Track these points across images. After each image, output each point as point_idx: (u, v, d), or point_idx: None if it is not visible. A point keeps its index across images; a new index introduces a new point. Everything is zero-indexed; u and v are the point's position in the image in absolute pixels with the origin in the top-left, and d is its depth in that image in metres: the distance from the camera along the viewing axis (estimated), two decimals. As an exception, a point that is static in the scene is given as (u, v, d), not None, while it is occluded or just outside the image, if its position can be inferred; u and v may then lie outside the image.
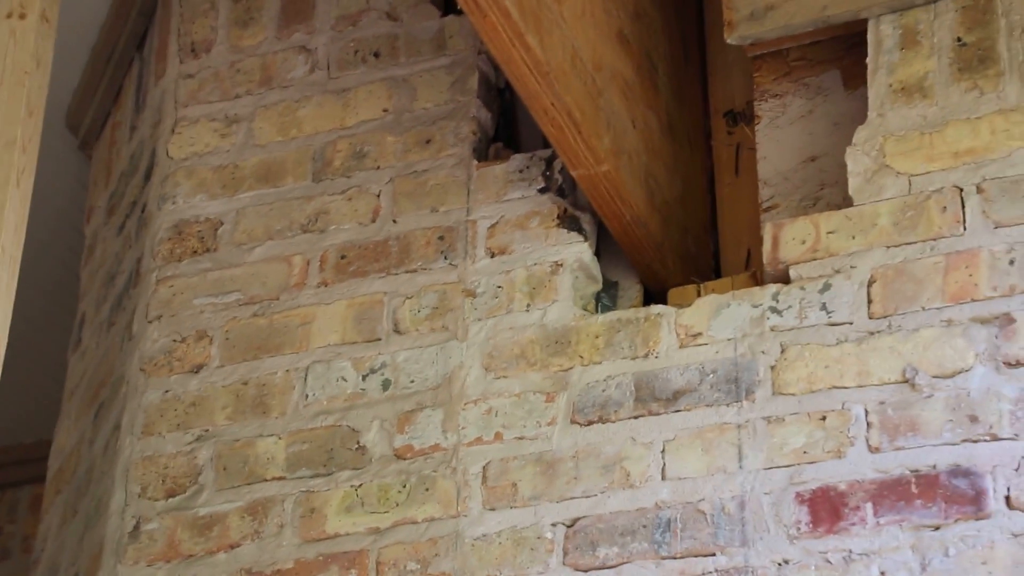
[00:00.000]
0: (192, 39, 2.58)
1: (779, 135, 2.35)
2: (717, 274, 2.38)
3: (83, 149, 2.92)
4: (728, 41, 2.33)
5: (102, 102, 2.82)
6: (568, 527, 2.06)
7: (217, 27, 2.57)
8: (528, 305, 2.21)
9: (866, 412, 2.00)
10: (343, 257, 2.34)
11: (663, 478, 2.04)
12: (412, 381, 2.21)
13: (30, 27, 1.94)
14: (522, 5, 1.94)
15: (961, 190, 2.08)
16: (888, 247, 2.08)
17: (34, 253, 2.57)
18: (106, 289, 2.64)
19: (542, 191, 2.29)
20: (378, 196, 2.37)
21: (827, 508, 1.96)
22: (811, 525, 1.96)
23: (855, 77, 2.31)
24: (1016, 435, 1.92)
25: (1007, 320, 1.99)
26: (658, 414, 2.08)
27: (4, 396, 3.32)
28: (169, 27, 2.62)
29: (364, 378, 2.24)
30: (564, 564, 2.04)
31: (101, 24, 2.76)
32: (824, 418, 2.01)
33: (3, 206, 1.88)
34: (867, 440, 1.98)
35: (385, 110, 2.43)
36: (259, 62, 2.52)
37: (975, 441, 1.94)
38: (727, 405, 2.05)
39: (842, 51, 2.34)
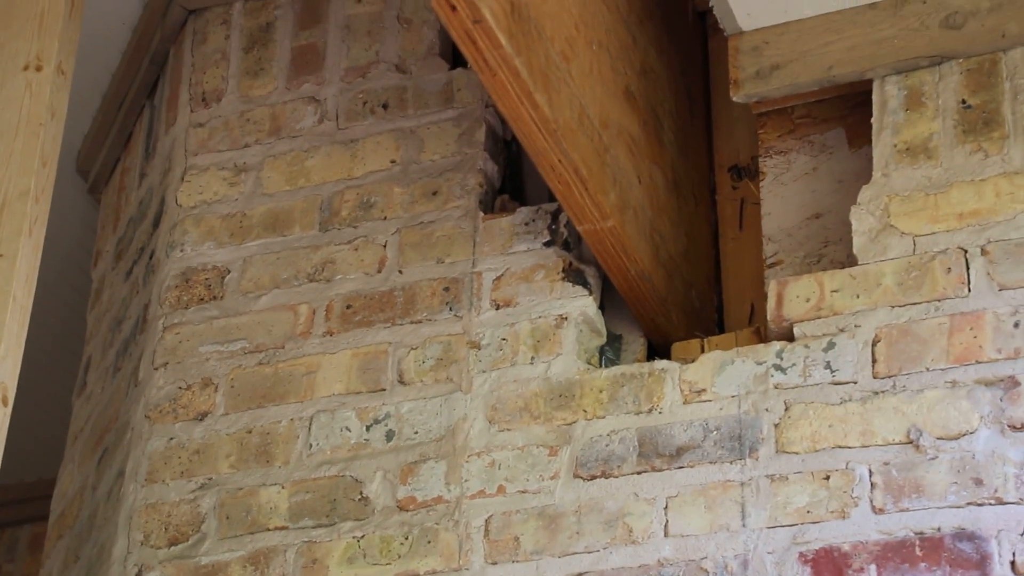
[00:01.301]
0: (203, 88, 2.59)
1: (783, 191, 2.36)
2: (720, 329, 2.38)
3: (92, 193, 2.94)
4: (734, 99, 2.34)
5: (112, 148, 2.84)
6: (570, 582, 2.06)
7: (228, 77, 2.59)
8: (532, 358, 2.22)
9: (870, 472, 2.00)
10: (349, 307, 2.35)
11: (666, 535, 2.04)
12: (416, 432, 2.22)
13: (46, 79, 1.95)
14: (531, 64, 1.95)
15: (965, 251, 2.09)
16: (892, 307, 2.09)
17: (41, 294, 2.57)
18: (112, 334, 2.64)
19: (547, 244, 2.30)
20: (384, 246, 2.38)
21: (830, 569, 1.95)
22: (814, 586, 1.96)
23: (859, 136, 2.33)
24: (1021, 499, 1.92)
25: (1012, 383, 1.99)
26: (661, 470, 2.08)
27: (7, 435, 3.30)
28: (180, 76, 2.63)
29: (368, 428, 2.24)
30: (566, 619, 2.04)
31: (113, 72, 2.78)
32: (828, 477, 2.01)
33: (15, 256, 1.88)
34: (871, 501, 1.98)
35: (393, 161, 2.44)
36: (269, 112, 2.53)
37: (980, 504, 1.94)
38: (730, 462, 2.05)
39: (846, 110, 2.36)
